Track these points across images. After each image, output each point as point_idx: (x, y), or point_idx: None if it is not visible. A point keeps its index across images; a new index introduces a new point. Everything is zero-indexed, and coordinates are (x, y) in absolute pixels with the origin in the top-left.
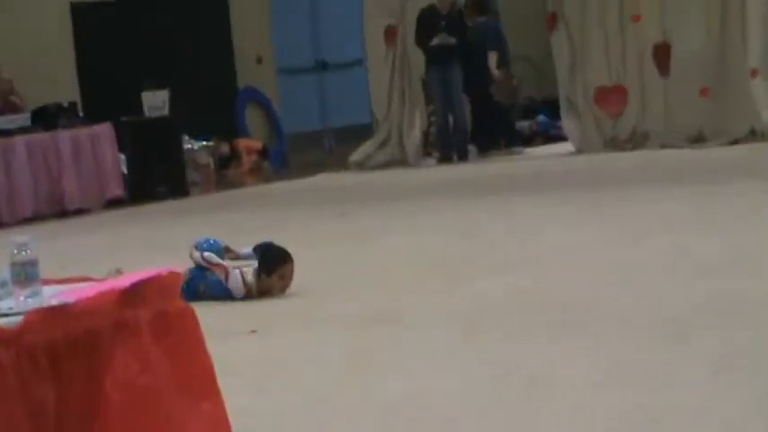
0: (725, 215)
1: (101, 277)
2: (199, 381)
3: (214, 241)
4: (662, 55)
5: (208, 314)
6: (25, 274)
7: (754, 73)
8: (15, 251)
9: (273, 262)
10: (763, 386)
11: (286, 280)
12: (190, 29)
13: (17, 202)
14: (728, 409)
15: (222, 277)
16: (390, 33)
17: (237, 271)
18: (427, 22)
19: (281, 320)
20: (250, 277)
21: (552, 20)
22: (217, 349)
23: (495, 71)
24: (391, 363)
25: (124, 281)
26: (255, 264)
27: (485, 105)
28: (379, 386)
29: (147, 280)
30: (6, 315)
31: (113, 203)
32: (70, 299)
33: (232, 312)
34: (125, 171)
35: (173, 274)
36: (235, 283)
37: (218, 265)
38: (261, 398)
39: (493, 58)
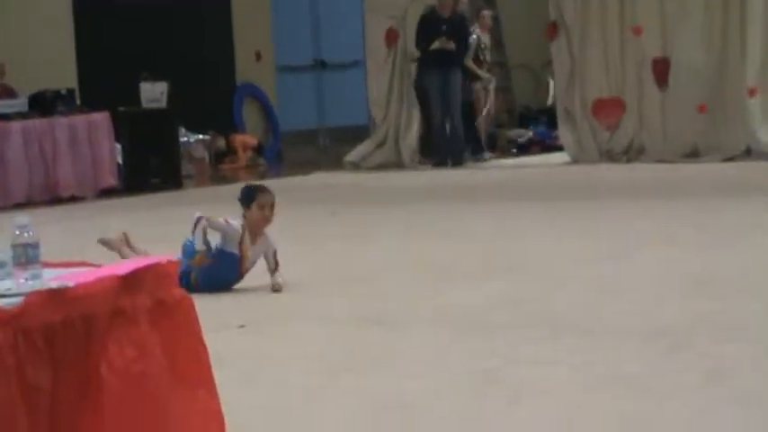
0: (717, 231)
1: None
2: (194, 369)
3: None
4: (661, 69)
5: (196, 308)
6: (26, 255)
7: (752, 92)
8: (17, 232)
9: (251, 193)
10: (753, 399)
11: (266, 211)
12: (191, 23)
13: (11, 187)
14: (718, 422)
15: (221, 222)
16: (391, 35)
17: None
18: (428, 26)
19: (269, 316)
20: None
21: (553, 29)
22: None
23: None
24: (378, 362)
25: (123, 267)
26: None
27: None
28: (366, 385)
29: (145, 267)
30: (5, 296)
31: (107, 192)
32: (70, 282)
33: (221, 307)
34: (120, 161)
35: (171, 263)
36: (232, 226)
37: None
38: (249, 392)
39: None
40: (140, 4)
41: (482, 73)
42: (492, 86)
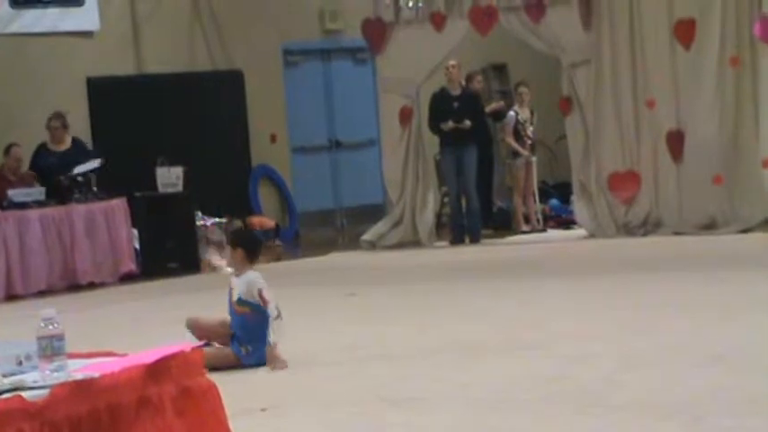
0: (734, 304)
1: None
2: None
3: None
4: (675, 141)
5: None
6: (51, 348)
7: (766, 162)
8: (42, 324)
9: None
10: None
11: None
12: (206, 106)
13: (31, 275)
14: None
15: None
16: (405, 114)
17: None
18: (439, 106)
19: (290, 399)
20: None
21: (567, 104)
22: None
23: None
24: None
25: (149, 356)
26: None
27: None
28: None
29: (171, 356)
30: (31, 388)
31: (126, 278)
32: (95, 373)
33: (242, 389)
34: (137, 246)
35: (196, 351)
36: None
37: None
38: None
39: None
40: (155, 90)
41: (521, 149)
42: (534, 161)
